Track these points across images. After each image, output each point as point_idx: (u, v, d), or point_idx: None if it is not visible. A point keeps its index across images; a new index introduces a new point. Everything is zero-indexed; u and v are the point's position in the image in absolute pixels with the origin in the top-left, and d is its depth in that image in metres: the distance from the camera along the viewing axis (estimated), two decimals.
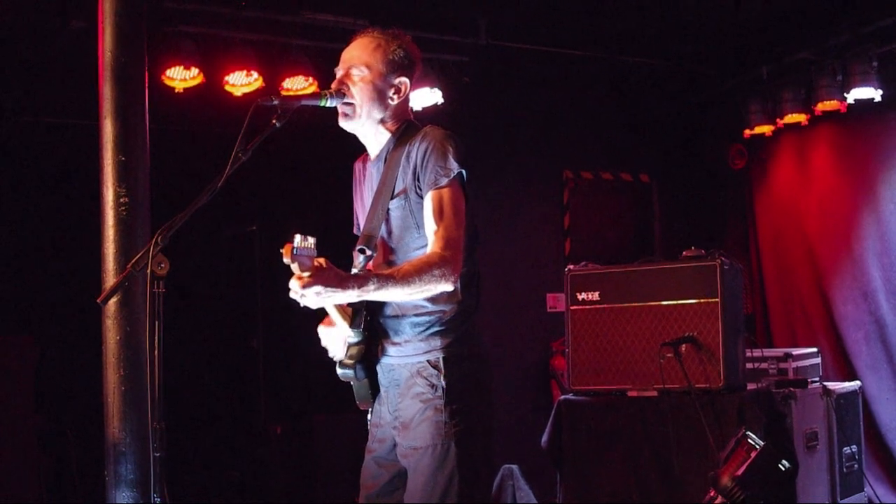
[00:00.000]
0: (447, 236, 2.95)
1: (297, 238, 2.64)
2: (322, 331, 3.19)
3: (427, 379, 3.00)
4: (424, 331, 3.04)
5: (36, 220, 7.03)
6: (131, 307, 4.28)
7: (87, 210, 4.63)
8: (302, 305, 2.78)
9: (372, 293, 2.85)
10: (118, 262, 4.29)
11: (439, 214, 2.97)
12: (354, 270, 3.07)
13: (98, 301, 3.00)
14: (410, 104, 3.29)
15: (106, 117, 4.37)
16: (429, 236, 2.99)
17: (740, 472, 4.49)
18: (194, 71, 6.28)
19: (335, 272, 2.76)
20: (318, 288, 2.71)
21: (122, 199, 4.32)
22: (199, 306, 7.28)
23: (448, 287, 2.93)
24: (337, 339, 3.16)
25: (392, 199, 3.08)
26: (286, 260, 2.64)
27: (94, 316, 4.39)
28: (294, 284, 2.71)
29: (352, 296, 2.82)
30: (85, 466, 6.50)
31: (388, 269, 2.94)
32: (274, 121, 2.87)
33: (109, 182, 4.34)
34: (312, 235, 2.68)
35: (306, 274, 2.69)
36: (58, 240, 6.94)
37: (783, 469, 4.56)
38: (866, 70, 6.85)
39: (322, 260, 2.73)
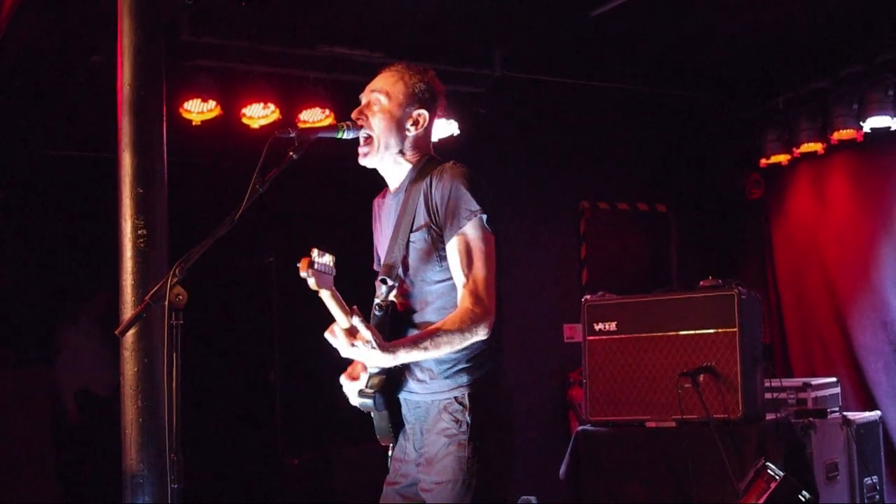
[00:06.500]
0: (477, 290, 2.94)
1: (315, 252, 2.58)
2: (344, 383, 3.18)
3: (452, 415, 2.99)
4: (450, 368, 3.01)
5: (55, 252, 7.06)
6: (149, 339, 4.27)
7: (106, 243, 4.66)
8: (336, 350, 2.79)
9: (406, 358, 2.89)
10: (136, 294, 4.29)
11: (467, 263, 2.97)
12: (377, 301, 3.07)
13: (116, 333, 2.99)
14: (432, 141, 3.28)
15: (124, 150, 4.39)
16: (458, 287, 2.98)
17: (760, 502, 4.45)
18: (212, 104, 6.33)
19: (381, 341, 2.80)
20: (376, 354, 2.76)
21: (140, 232, 4.33)
22: (216, 338, 7.29)
23: (484, 337, 2.95)
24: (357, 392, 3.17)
25: (413, 231, 3.06)
26: (303, 274, 2.56)
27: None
28: (343, 335, 2.74)
29: (388, 360, 2.85)
30: (102, 497, 6.50)
31: (421, 335, 2.92)
32: (291, 153, 2.87)
33: (128, 214, 4.35)
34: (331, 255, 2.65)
35: (365, 331, 2.72)
36: (77, 272, 6.98)
37: (803, 500, 4.52)
38: (882, 99, 6.85)
39: (356, 309, 2.74)
